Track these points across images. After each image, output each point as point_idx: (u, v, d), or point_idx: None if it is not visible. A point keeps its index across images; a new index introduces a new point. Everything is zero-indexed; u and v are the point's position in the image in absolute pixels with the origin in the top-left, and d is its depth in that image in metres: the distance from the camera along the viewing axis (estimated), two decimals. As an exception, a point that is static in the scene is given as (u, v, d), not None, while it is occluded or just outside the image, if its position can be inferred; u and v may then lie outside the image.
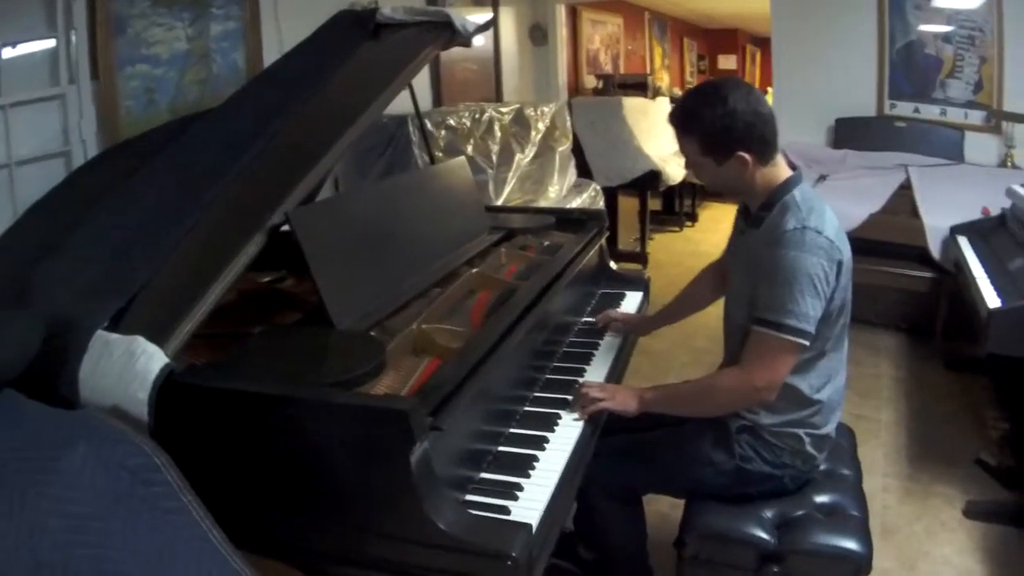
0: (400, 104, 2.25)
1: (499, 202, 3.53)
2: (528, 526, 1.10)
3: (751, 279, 1.46)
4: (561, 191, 4.28)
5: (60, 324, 1.31)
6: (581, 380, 1.64)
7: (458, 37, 2.11)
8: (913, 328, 3.56)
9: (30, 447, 1.08)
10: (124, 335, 1.23)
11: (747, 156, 1.42)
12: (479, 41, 4.62)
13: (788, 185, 1.47)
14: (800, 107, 3.85)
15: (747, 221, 1.56)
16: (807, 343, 1.38)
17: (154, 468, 1.05)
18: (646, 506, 1.70)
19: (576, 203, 4.22)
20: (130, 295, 1.33)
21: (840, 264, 1.40)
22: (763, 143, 1.44)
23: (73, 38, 2.14)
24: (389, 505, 1.05)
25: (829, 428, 1.54)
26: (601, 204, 4.57)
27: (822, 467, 1.63)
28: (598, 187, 4.65)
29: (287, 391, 1.09)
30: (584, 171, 4.82)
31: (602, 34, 6.00)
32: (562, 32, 5.12)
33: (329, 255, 1.44)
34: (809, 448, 1.52)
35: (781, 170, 1.49)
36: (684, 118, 1.46)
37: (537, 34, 5.04)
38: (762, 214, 1.49)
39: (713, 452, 1.52)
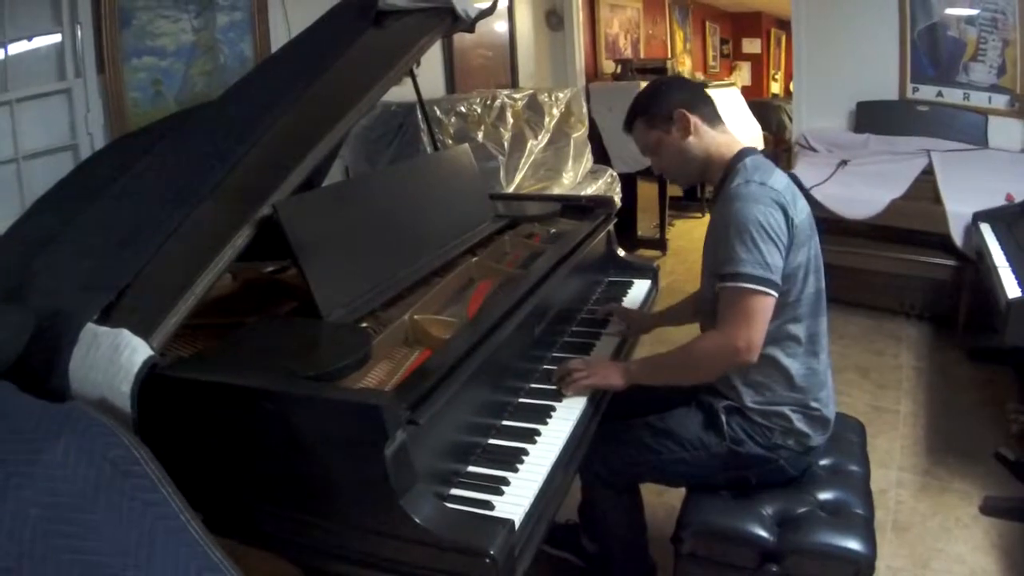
0: (405, 92, 2.24)
1: (510, 189, 3.49)
2: (510, 522, 1.08)
3: (712, 248, 1.47)
4: (576, 177, 4.22)
5: (53, 316, 1.33)
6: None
7: (460, 23, 2.08)
8: (936, 317, 3.47)
9: (14, 439, 1.09)
10: (112, 328, 1.24)
11: (687, 113, 1.51)
12: (495, 27, 4.60)
13: (741, 155, 1.52)
14: (821, 91, 3.75)
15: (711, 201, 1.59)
16: (772, 292, 1.37)
17: (134, 461, 1.06)
18: (657, 499, 1.67)
19: (591, 190, 4.17)
20: (120, 288, 1.33)
21: (788, 215, 1.40)
22: (700, 102, 1.55)
23: (79, 32, 2.14)
24: (366, 499, 1.04)
25: (819, 405, 1.50)
26: (618, 190, 4.51)
27: (825, 461, 1.59)
28: (615, 173, 4.58)
29: (263, 383, 1.08)
30: (602, 157, 4.76)
31: (621, 18, 5.91)
32: (579, 17, 5.04)
33: (317, 246, 1.43)
34: (800, 426, 1.48)
35: (734, 141, 1.56)
36: (629, 111, 1.62)
37: (553, 19, 4.97)
38: (718, 189, 1.55)
39: (704, 434, 1.51)
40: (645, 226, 5.46)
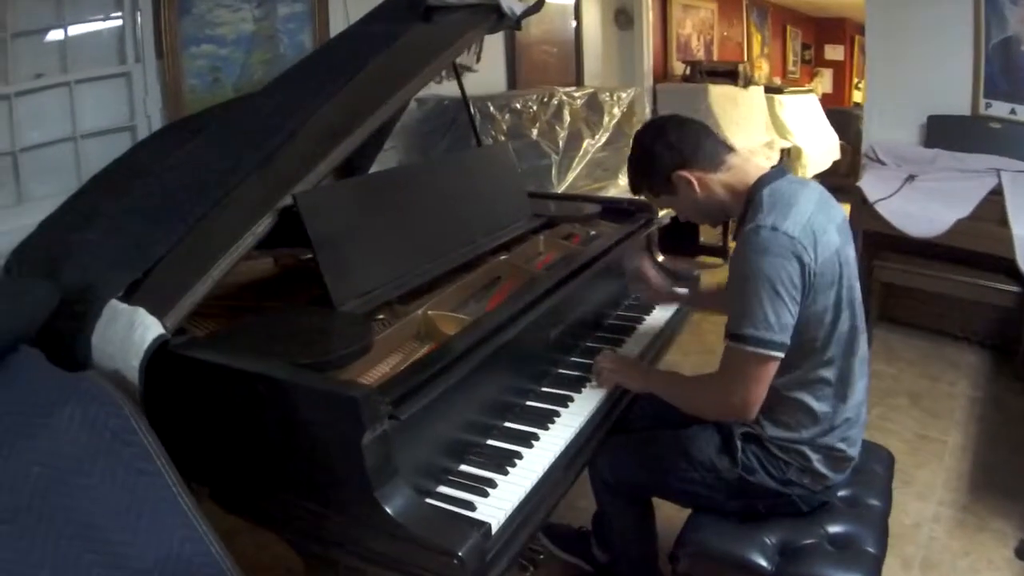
0: (466, 87, 2.25)
1: (562, 188, 3.48)
2: (487, 526, 1.08)
3: (728, 290, 1.37)
4: (634, 180, 4.18)
5: (83, 291, 1.40)
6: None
7: (505, 21, 2.09)
8: (997, 346, 3.29)
9: (26, 403, 1.16)
10: (131, 306, 1.30)
11: (685, 174, 1.43)
12: (562, 24, 4.59)
13: (758, 185, 1.39)
14: (893, 102, 3.58)
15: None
16: (777, 353, 1.27)
17: (132, 431, 1.13)
18: (671, 511, 1.63)
19: (648, 193, 4.12)
20: (147, 267, 1.39)
21: (804, 263, 1.27)
22: (692, 153, 1.44)
23: (139, 18, 2.24)
24: (346, 487, 1.06)
25: (845, 446, 1.42)
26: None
27: (844, 492, 1.51)
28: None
29: (256, 367, 1.11)
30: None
31: (694, 19, 5.80)
32: (649, 16, 4.97)
33: (336, 237, 1.45)
34: (819, 466, 1.40)
35: (749, 171, 1.43)
36: (630, 182, 1.57)
37: (622, 18, 4.92)
38: (740, 223, 1.42)
39: (717, 458, 1.45)
40: (708, 232, 5.35)
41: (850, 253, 1.39)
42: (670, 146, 1.44)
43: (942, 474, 2.39)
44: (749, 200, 1.39)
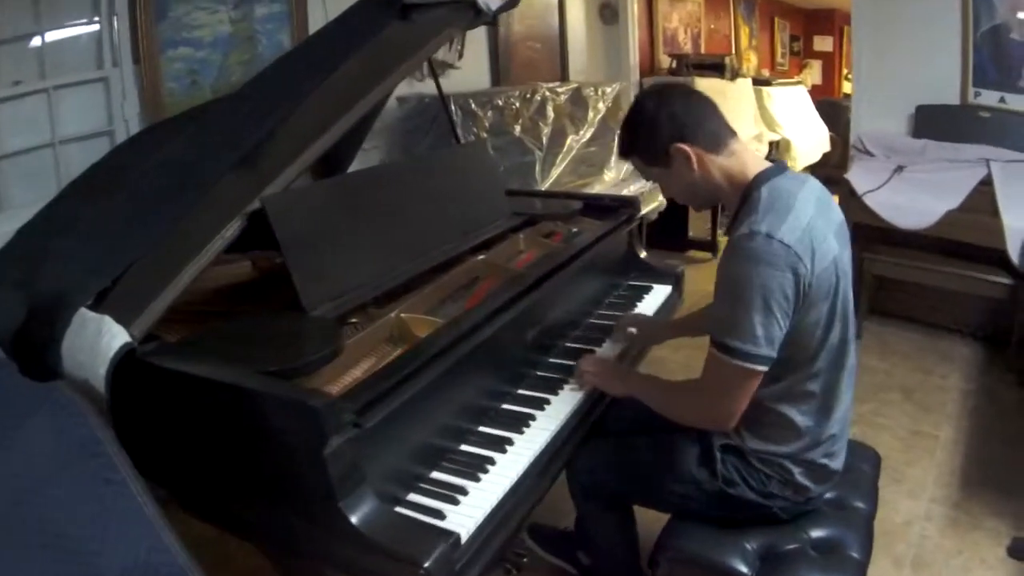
0: (447, 85, 2.22)
1: (546, 185, 3.45)
2: (455, 536, 1.06)
3: (717, 290, 1.29)
4: (619, 175, 4.14)
5: (55, 299, 1.38)
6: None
7: (482, 17, 2.06)
8: (990, 338, 3.27)
9: None
10: (98, 314, 1.28)
11: (685, 147, 1.31)
12: (546, 19, 4.55)
13: (756, 181, 1.30)
14: (880, 93, 3.56)
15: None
16: (762, 367, 1.22)
17: (97, 442, 1.13)
18: (652, 515, 1.60)
19: (633, 188, 4.07)
20: (116, 275, 1.37)
21: (800, 275, 1.19)
22: (696, 128, 1.32)
23: (115, 23, 2.21)
24: (311, 496, 1.03)
25: (827, 460, 1.38)
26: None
27: (828, 495, 1.47)
28: (662, 172, 4.48)
29: (218, 375, 1.09)
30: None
31: (681, 13, 5.77)
32: (634, 10, 4.94)
33: (306, 240, 1.43)
34: (801, 479, 1.36)
35: (749, 163, 1.34)
36: (620, 145, 1.44)
37: (607, 12, 4.88)
38: (733, 219, 1.34)
39: (696, 470, 1.41)
40: (697, 227, 5.33)
41: (847, 259, 1.32)
42: (674, 116, 1.33)
43: (934, 470, 2.37)
44: (746, 195, 1.31)
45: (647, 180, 1.46)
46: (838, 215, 1.36)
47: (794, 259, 1.19)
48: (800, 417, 1.33)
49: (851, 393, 1.40)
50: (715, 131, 1.35)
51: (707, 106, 1.37)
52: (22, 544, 1.04)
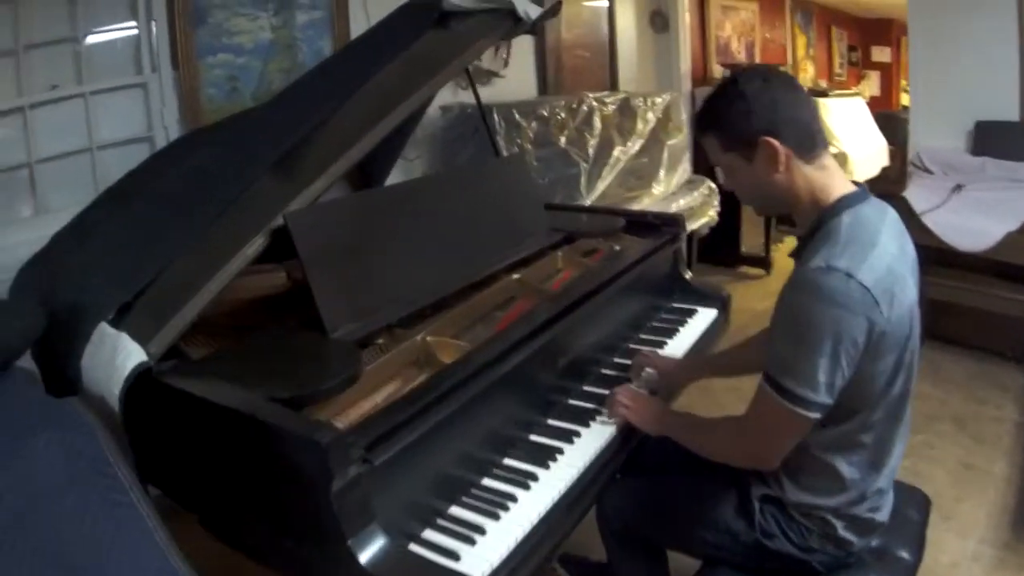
0: (492, 94, 2.15)
1: (592, 197, 3.37)
2: (468, 580, 0.99)
3: (775, 319, 1.17)
4: (669, 188, 4.04)
5: (77, 312, 1.37)
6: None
7: (522, 25, 2.00)
8: (1052, 368, 3.09)
9: (3, 426, 1.13)
10: (116, 331, 1.26)
11: (775, 143, 1.16)
12: (596, 27, 4.47)
13: (840, 205, 1.17)
14: (939, 108, 3.41)
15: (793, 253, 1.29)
16: (816, 416, 1.11)
17: (107, 463, 1.10)
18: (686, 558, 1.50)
19: (683, 202, 3.97)
20: (137, 289, 1.35)
21: (874, 323, 1.08)
22: (794, 127, 1.17)
23: (154, 28, 2.21)
24: (319, 531, 0.98)
25: (872, 513, 1.27)
26: (715, 203, 4.28)
27: (873, 542, 1.35)
28: (713, 185, 4.35)
29: (225, 400, 1.05)
30: (705, 166, 4.51)
31: (734, 21, 5.63)
32: (685, 18, 4.83)
33: (330, 258, 1.39)
34: (843, 533, 1.26)
35: (836, 182, 1.20)
36: (700, 115, 1.27)
37: (658, 21, 4.78)
38: (806, 242, 1.21)
39: (733, 520, 1.31)
40: (751, 242, 5.16)
41: (916, 300, 1.19)
42: (773, 105, 1.16)
43: (985, 507, 2.22)
44: (824, 218, 1.18)
45: (713, 164, 1.29)
46: (912, 250, 1.24)
47: (871, 304, 1.07)
48: (848, 468, 1.22)
49: (903, 446, 1.29)
50: (813, 136, 1.20)
51: (811, 106, 1.22)
52: (24, 563, 1.01)
